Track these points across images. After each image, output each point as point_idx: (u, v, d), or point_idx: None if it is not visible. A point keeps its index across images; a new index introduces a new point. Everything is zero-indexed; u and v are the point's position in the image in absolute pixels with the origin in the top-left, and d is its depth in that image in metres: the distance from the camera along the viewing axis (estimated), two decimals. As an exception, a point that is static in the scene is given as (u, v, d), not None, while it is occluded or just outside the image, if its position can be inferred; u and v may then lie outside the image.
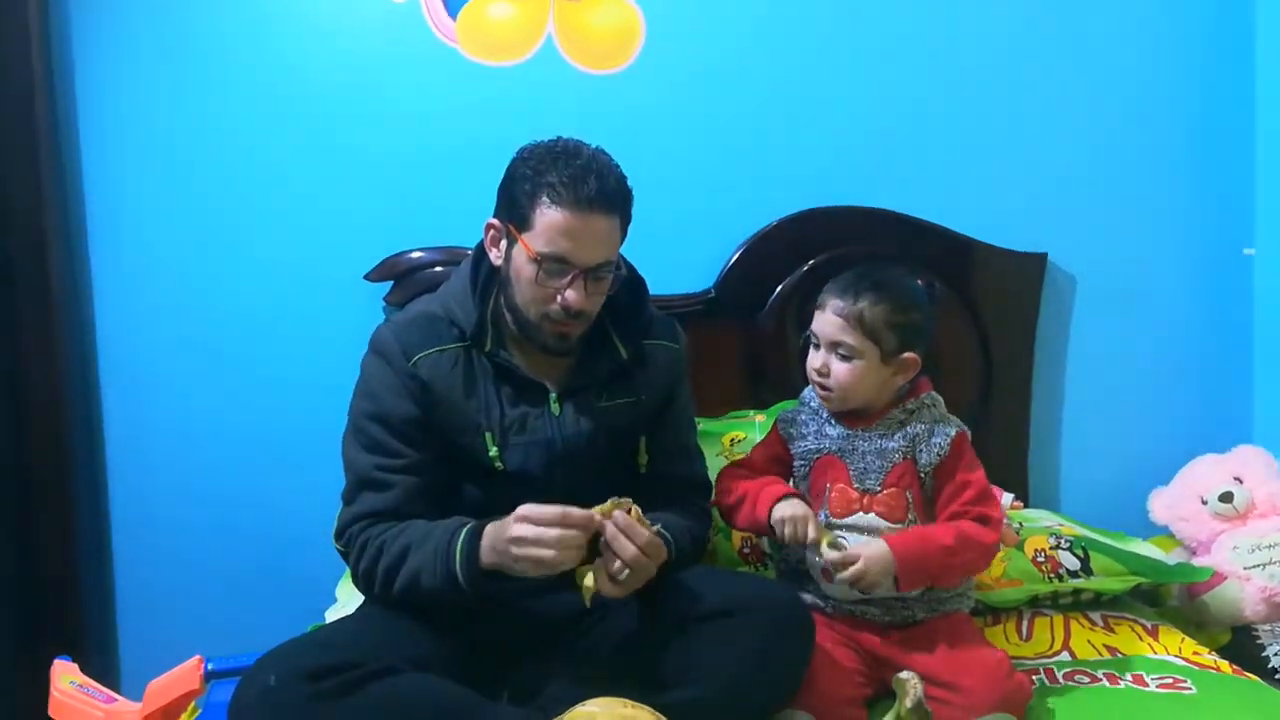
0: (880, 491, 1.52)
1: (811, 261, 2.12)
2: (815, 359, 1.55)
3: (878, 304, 1.50)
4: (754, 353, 2.14)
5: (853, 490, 1.53)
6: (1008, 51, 2.18)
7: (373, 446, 1.46)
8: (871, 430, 1.54)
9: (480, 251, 1.53)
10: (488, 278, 1.52)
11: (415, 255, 2.05)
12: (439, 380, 1.46)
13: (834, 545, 1.46)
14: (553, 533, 1.29)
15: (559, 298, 1.42)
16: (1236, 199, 2.24)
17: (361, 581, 1.45)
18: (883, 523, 1.51)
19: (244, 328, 2.09)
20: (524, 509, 1.31)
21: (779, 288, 2.12)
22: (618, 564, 1.32)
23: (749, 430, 1.99)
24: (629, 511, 1.34)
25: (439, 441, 1.47)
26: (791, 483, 1.59)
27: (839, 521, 1.52)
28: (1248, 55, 2.21)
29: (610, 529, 1.32)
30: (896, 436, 1.53)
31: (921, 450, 1.52)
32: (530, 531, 1.29)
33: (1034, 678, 1.52)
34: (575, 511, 1.31)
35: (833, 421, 1.57)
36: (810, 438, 1.58)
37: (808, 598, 1.53)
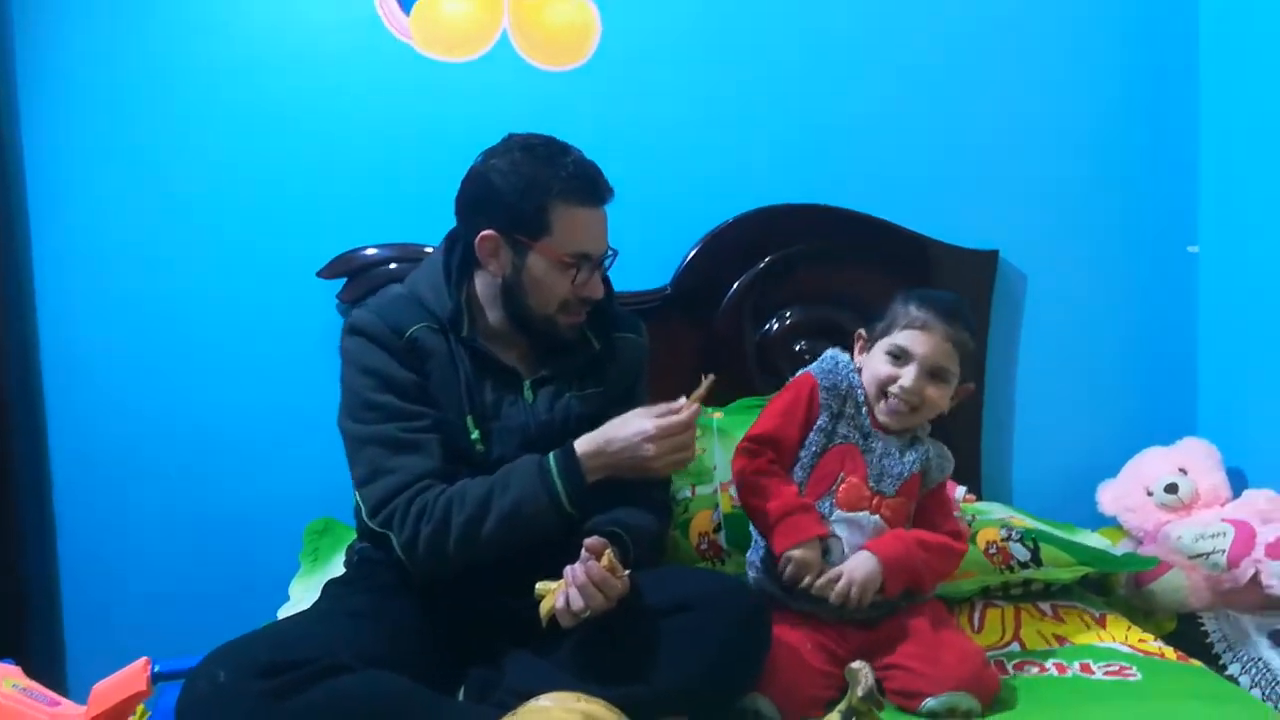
0: (892, 497, 1.53)
1: (768, 258, 2.13)
2: (906, 378, 1.51)
3: (971, 334, 1.54)
4: (711, 349, 2.14)
5: (866, 488, 1.53)
6: (960, 52, 2.21)
7: (389, 416, 1.44)
8: (888, 437, 1.55)
9: (450, 244, 1.55)
10: (460, 269, 1.53)
11: (369, 252, 2.04)
12: (434, 350, 1.48)
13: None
14: (684, 438, 1.42)
15: (582, 291, 1.48)
16: (1181, 198, 2.29)
17: (427, 545, 1.39)
18: (885, 527, 1.52)
19: (195, 324, 2.06)
20: (650, 433, 1.40)
21: (735, 284, 2.14)
22: (581, 604, 1.31)
23: (707, 426, 1.99)
24: (601, 557, 1.33)
25: (438, 407, 1.47)
26: (800, 456, 1.55)
27: (844, 515, 1.52)
28: (1192, 57, 2.26)
29: (582, 577, 1.32)
30: (915, 449, 1.55)
31: (932, 468, 1.57)
32: (665, 445, 1.40)
33: (988, 671, 1.54)
34: (683, 417, 1.41)
35: (864, 411, 1.56)
36: (845, 421, 1.55)
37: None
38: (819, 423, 1.55)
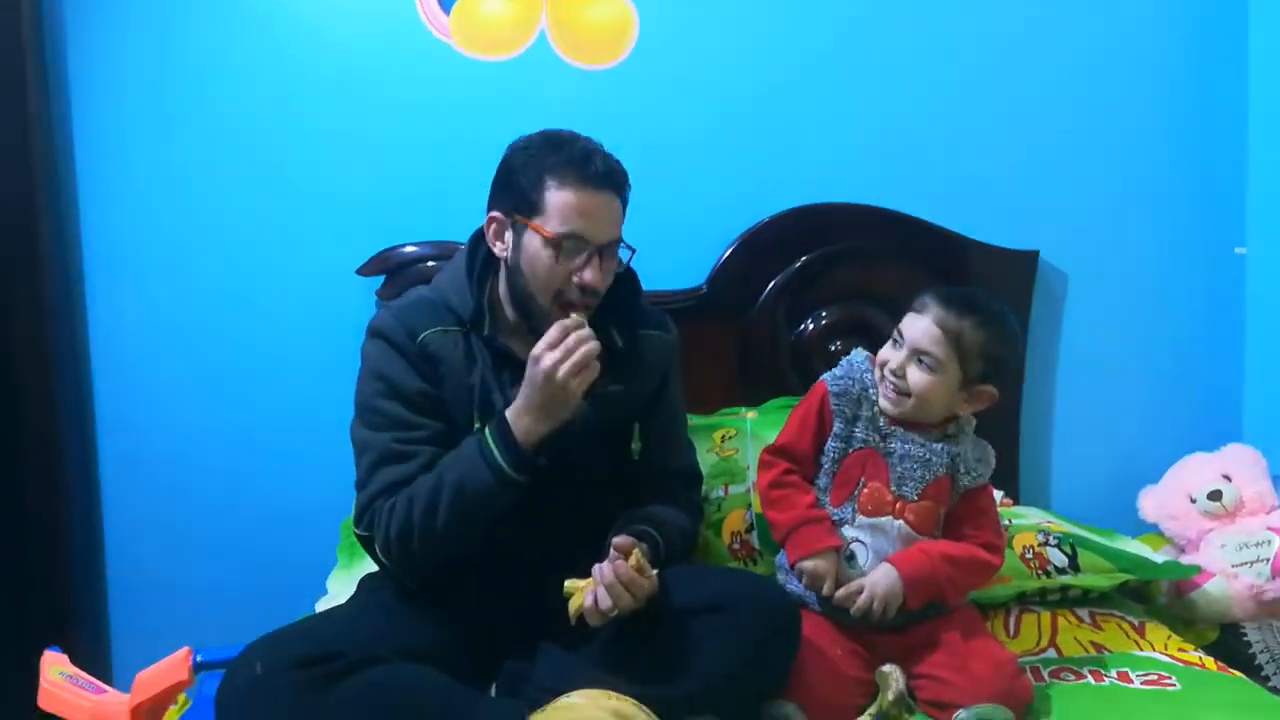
0: (916, 501, 1.51)
1: (804, 258, 2.13)
2: (893, 359, 1.51)
3: (980, 328, 1.48)
4: (745, 349, 2.14)
5: (889, 493, 1.51)
6: (1001, 50, 2.19)
7: (390, 424, 1.46)
8: (911, 434, 1.52)
9: (476, 241, 1.55)
10: (484, 267, 1.54)
11: (408, 250, 2.06)
12: (446, 355, 1.48)
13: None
14: (570, 339, 1.36)
15: (576, 278, 1.44)
16: (1228, 198, 2.24)
17: (395, 543, 1.41)
18: (910, 532, 1.51)
19: (237, 320, 2.09)
20: (535, 353, 1.36)
21: (771, 284, 2.13)
22: (609, 603, 1.32)
23: (740, 426, 2.00)
24: (630, 556, 1.33)
25: (447, 417, 1.48)
26: (821, 463, 1.55)
27: (867, 520, 1.51)
28: (1240, 54, 2.21)
29: (610, 576, 1.32)
30: (940, 450, 1.52)
31: (962, 471, 1.53)
32: (556, 354, 1.35)
33: (1023, 678, 1.53)
34: (557, 327, 1.37)
35: (879, 412, 1.54)
36: (862, 424, 1.54)
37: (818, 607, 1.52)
38: (835, 429, 1.54)
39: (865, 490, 1.52)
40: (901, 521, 1.50)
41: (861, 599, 1.45)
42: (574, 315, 1.41)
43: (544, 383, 1.36)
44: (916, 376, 1.49)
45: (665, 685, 1.33)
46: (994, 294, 1.63)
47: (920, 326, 1.49)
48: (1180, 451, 2.16)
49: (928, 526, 1.52)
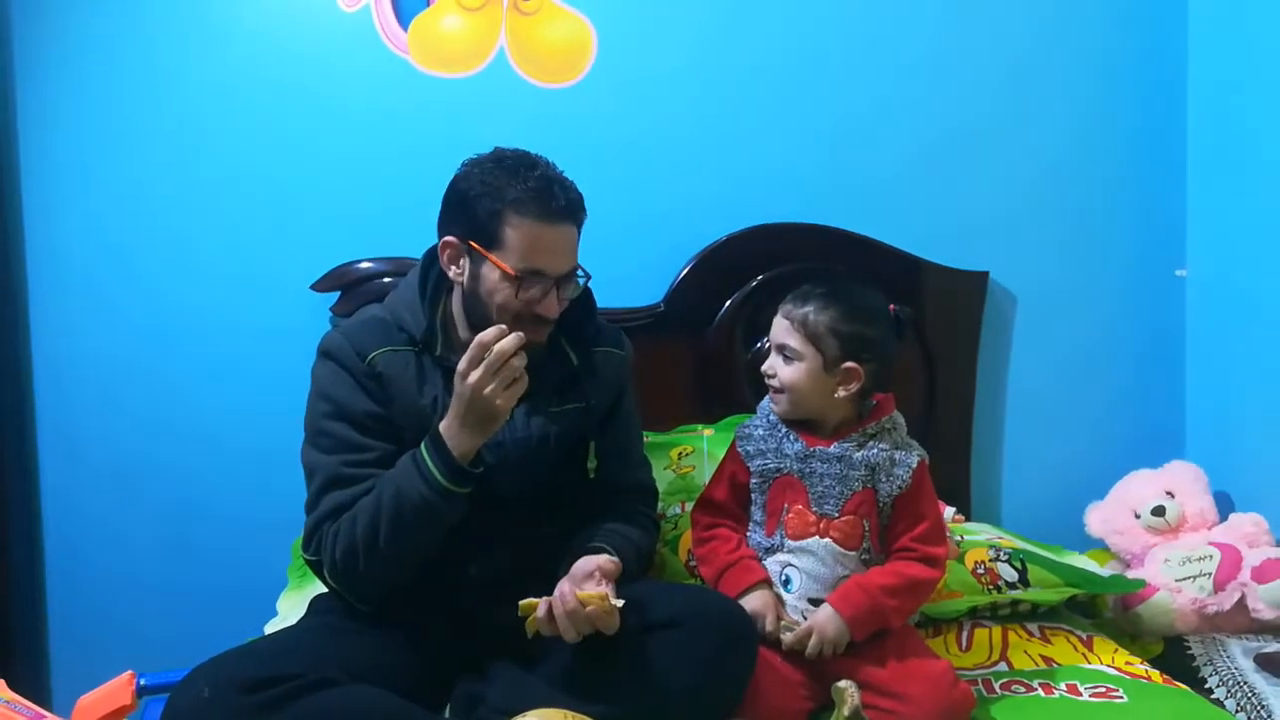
0: (838, 517, 1.52)
1: (761, 277, 2.14)
2: (767, 363, 1.57)
3: (824, 310, 1.52)
4: (703, 367, 2.15)
5: (810, 514, 1.52)
6: (954, 76, 2.23)
7: (337, 446, 1.44)
8: (829, 450, 1.53)
9: (429, 260, 1.54)
10: (436, 286, 1.53)
11: (363, 265, 2.04)
12: (396, 375, 1.47)
13: (787, 628, 1.48)
14: (493, 355, 1.32)
15: (534, 309, 1.44)
16: (1169, 223, 2.31)
17: (341, 566, 1.40)
18: (838, 549, 1.52)
19: (187, 336, 2.06)
20: (460, 369, 1.34)
21: (728, 302, 2.15)
22: (573, 635, 1.32)
23: (697, 444, 2.00)
24: (600, 583, 1.33)
25: (397, 438, 1.46)
26: (754, 498, 1.58)
27: (794, 544, 1.53)
28: (1180, 84, 2.29)
29: (572, 602, 1.31)
30: (857, 461, 1.52)
31: (882, 480, 1.53)
32: (479, 371, 1.32)
33: (973, 688, 1.54)
34: (475, 343, 1.33)
35: (791, 437, 1.55)
36: (770, 455, 1.56)
37: None
38: (752, 467, 1.57)
39: (789, 515, 1.54)
40: (827, 540, 1.52)
41: (811, 644, 1.46)
42: (494, 329, 1.37)
43: (472, 398, 1.35)
44: (783, 370, 1.54)
45: (621, 703, 1.32)
46: (874, 288, 1.64)
47: (776, 325, 1.56)
48: (1125, 468, 2.20)
49: (854, 541, 1.52)
